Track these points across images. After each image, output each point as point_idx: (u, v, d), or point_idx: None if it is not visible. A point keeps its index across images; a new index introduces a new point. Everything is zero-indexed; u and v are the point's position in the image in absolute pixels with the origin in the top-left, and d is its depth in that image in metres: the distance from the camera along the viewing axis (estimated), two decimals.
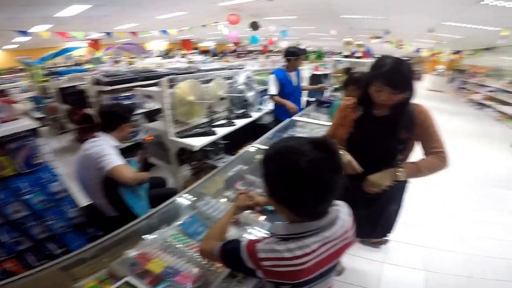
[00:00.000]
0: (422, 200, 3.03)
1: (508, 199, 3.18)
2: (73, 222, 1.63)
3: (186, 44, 15.14)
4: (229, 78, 2.74)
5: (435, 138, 1.14)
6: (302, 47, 4.78)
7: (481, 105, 8.63)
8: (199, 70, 3.05)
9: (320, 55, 7.47)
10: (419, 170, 1.10)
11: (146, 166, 2.25)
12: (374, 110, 1.16)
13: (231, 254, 0.74)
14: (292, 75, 2.96)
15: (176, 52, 10.39)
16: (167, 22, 8.19)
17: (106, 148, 1.50)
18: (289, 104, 2.82)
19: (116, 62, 5.04)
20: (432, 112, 1.18)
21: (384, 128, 1.15)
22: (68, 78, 4.05)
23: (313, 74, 5.14)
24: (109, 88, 3.02)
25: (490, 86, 8.61)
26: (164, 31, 6.99)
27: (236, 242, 0.75)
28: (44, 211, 1.49)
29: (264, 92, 3.31)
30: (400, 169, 1.10)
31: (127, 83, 3.18)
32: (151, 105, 3.46)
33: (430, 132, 1.14)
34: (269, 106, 3.24)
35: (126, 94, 3.23)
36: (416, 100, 1.16)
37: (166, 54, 9.94)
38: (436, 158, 1.11)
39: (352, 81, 1.98)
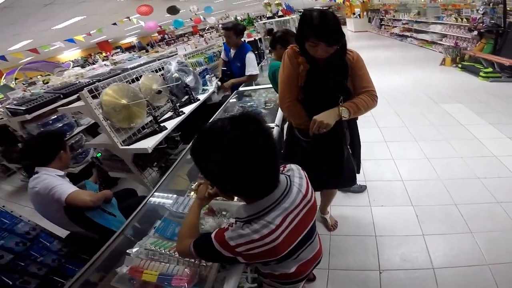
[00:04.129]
0: (386, 132, 3.25)
1: (455, 111, 3.54)
2: (63, 253, 1.61)
3: (104, 46, 13.68)
4: (160, 69, 2.61)
5: (366, 78, 1.21)
6: (231, 19, 4.73)
7: (402, 36, 9.58)
8: (124, 70, 2.80)
9: (249, 21, 7.27)
10: (357, 107, 1.16)
11: (106, 182, 2.15)
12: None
13: (205, 250, 0.72)
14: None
15: (96, 57, 9.33)
16: (69, 30, 7.26)
17: (51, 180, 1.42)
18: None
19: (30, 84, 4.42)
20: (364, 49, 1.25)
21: (331, 76, 1.19)
22: None
23: (248, 42, 5.10)
24: (29, 116, 2.65)
25: (402, 19, 9.62)
26: (71, 40, 6.09)
27: (206, 237, 0.73)
28: (26, 250, 1.45)
29: (205, 71, 3.23)
30: (341, 107, 1.15)
31: (48, 105, 2.78)
32: (89, 119, 3.14)
33: (362, 74, 1.21)
34: (214, 84, 3.18)
35: (55, 116, 2.88)
36: (348, 41, 1.21)
37: (85, 62, 8.86)
38: (368, 96, 1.19)
39: (277, 40, 2.01)
